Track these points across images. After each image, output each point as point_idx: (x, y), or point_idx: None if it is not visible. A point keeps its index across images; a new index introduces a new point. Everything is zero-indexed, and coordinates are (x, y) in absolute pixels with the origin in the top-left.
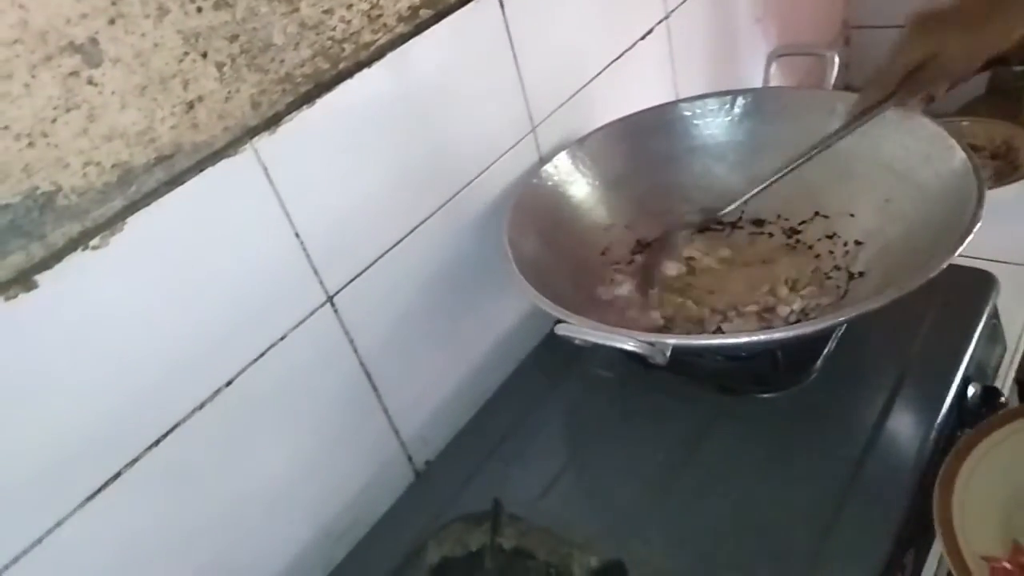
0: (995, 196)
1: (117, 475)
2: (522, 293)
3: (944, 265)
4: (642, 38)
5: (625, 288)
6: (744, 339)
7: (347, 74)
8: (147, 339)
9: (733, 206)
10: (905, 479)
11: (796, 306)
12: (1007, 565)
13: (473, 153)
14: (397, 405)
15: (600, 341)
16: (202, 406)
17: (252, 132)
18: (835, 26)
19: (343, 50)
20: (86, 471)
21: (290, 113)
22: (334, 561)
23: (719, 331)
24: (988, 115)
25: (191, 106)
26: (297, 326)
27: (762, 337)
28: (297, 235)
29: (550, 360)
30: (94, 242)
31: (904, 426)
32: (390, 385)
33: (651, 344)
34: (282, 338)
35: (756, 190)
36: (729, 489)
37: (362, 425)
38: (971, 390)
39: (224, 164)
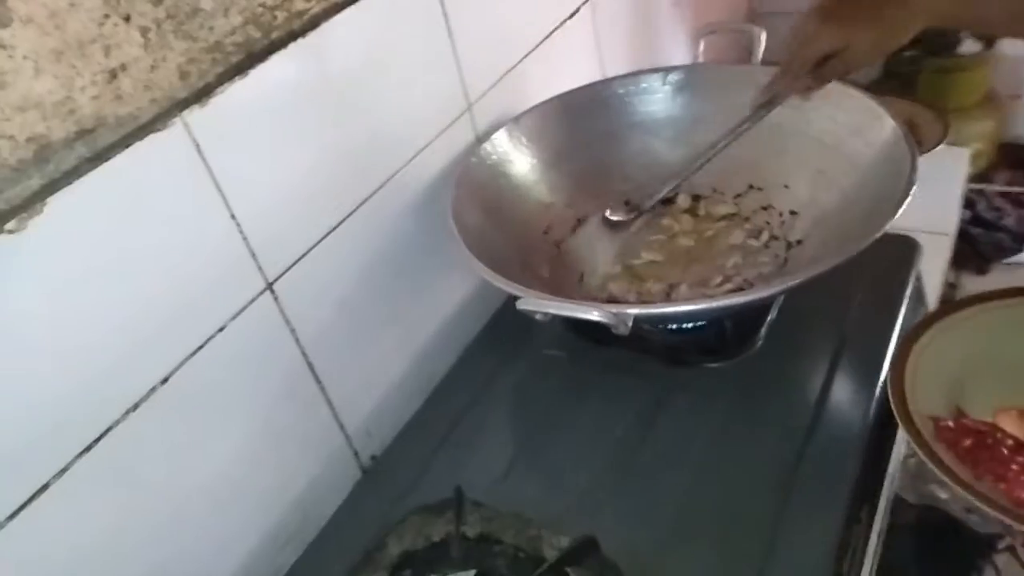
0: None
1: (44, 487)
2: (479, 273)
3: (885, 229)
4: (569, 17)
5: (564, 266)
6: (704, 305)
7: (280, 44)
8: (72, 336)
9: (663, 192)
10: (855, 438)
11: (739, 276)
12: (950, 424)
13: (410, 132)
14: (341, 397)
15: (566, 313)
16: (136, 406)
17: (182, 105)
18: (742, 11)
19: (275, 18)
20: (5, 487)
21: (221, 84)
22: (285, 564)
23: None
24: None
25: (114, 75)
26: (236, 316)
27: (721, 303)
28: (233, 216)
29: (497, 342)
30: (10, 225)
31: (849, 387)
32: (333, 376)
33: (614, 315)
34: (220, 329)
35: (661, 193)
36: (689, 459)
37: (306, 419)
38: None
39: (152, 139)
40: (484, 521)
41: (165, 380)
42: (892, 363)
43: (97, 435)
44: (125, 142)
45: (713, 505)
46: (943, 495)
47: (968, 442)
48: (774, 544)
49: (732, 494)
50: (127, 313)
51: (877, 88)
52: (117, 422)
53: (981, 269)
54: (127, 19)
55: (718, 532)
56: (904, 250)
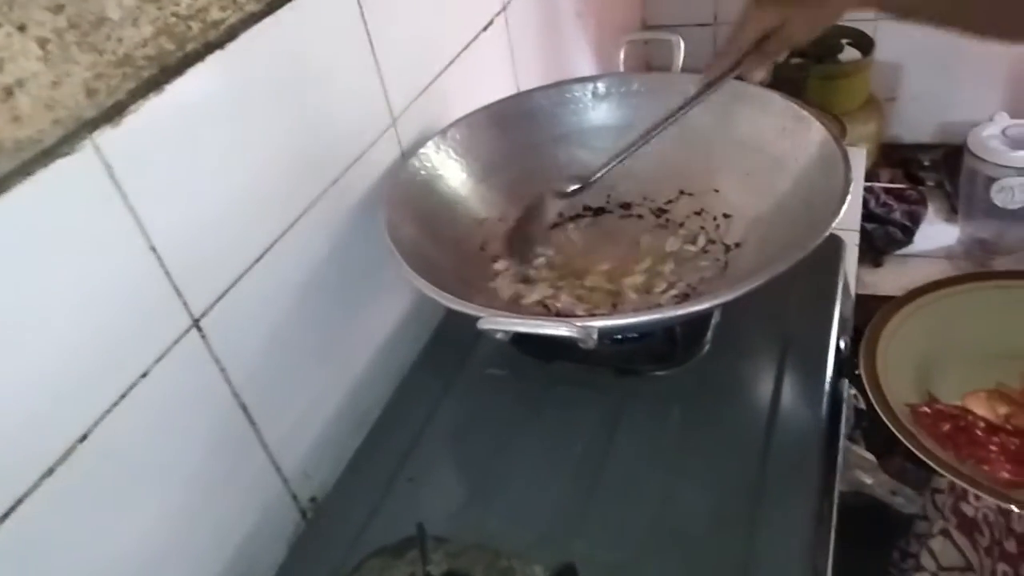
0: None
1: None
2: (430, 295)
3: (832, 227)
4: (484, 29)
5: (505, 281)
6: (668, 313)
7: (196, 57)
8: None
9: (599, 173)
10: (812, 435)
11: (682, 282)
12: (927, 410)
13: (336, 148)
14: (276, 438)
15: (533, 331)
16: (51, 471)
17: (90, 125)
18: (636, 23)
19: (189, 28)
20: None
21: (135, 101)
22: None
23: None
24: None
25: (10, 93)
26: (160, 359)
27: (685, 310)
28: (153, 248)
29: (436, 365)
30: None
31: (799, 385)
32: (268, 416)
33: (581, 328)
34: (144, 375)
35: (611, 165)
36: (654, 470)
37: (240, 466)
38: (841, 343)
39: (58, 165)
40: (450, 557)
41: (84, 437)
42: (863, 353)
43: (6, 509)
44: (26, 169)
45: (685, 515)
46: (868, 480)
47: (947, 427)
48: (751, 547)
49: (703, 502)
50: (37, 366)
51: None
52: (29, 491)
53: (876, 262)
54: (22, 29)
55: (694, 542)
56: (831, 247)
